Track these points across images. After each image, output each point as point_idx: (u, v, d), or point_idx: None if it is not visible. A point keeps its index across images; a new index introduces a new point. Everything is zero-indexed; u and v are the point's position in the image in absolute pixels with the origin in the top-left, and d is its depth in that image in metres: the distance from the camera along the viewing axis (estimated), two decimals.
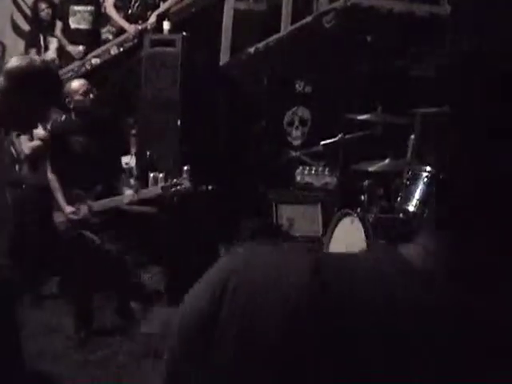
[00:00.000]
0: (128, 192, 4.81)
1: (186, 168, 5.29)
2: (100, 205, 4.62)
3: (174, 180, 4.67)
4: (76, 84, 4.84)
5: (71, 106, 4.82)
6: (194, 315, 0.64)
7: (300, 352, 0.58)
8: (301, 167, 5.16)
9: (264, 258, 0.65)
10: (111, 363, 4.14)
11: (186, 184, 4.66)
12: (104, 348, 4.33)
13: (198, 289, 0.66)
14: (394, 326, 0.57)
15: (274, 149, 5.58)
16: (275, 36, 5.44)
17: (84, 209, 4.64)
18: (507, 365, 0.55)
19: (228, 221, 5.33)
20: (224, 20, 5.88)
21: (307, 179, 5.14)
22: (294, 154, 5.47)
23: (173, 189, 4.61)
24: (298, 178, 5.14)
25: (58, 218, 4.79)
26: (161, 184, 4.96)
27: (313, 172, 5.13)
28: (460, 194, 0.58)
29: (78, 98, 4.75)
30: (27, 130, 3.86)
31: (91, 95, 4.82)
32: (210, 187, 5.52)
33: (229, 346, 0.62)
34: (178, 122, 5.69)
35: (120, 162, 5.35)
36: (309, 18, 5.19)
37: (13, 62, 2.60)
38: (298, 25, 5.29)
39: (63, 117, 5.11)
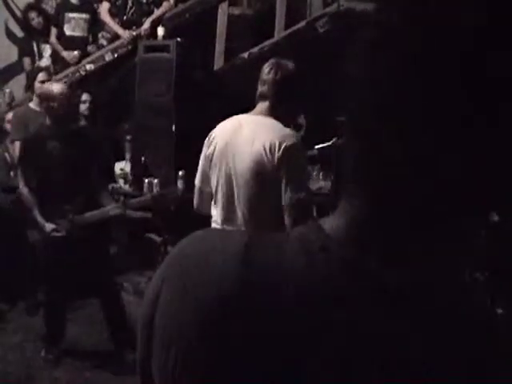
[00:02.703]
0: (113, 204, 4.29)
1: (180, 173, 5.30)
2: (83, 218, 4.18)
3: (165, 189, 4.55)
4: (58, 88, 4.20)
5: (47, 111, 4.24)
6: (140, 318, 0.70)
7: (227, 332, 0.60)
8: None
9: (195, 246, 0.68)
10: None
11: (178, 192, 4.55)
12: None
13: (147, 290, 0.70)
14: (309, 296, 0.60)
15: None
16: (269, 41, 5.46)
17: (66, 224, 4.17)
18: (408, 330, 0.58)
19: None
20: (218, 25, 5.90)
21: None
22: None
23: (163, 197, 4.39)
24: None
25: (33, 236, 4.42)
26: (150, 193, 4.89)
27: None
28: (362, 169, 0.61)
29: (57, 103, 4.14)
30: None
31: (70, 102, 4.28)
32: None
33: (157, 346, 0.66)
34: (173, 128, 5.70)
35: (106, 170, 5.00)
36: (302, 23, 5.21)
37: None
38: (291, 30, 5.31)
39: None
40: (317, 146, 4.83)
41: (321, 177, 5.11)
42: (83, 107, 6.17)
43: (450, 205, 0.56)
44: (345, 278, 0.59)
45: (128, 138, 6.27)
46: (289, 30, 5.37)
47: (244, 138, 2.85)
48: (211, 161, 2.95)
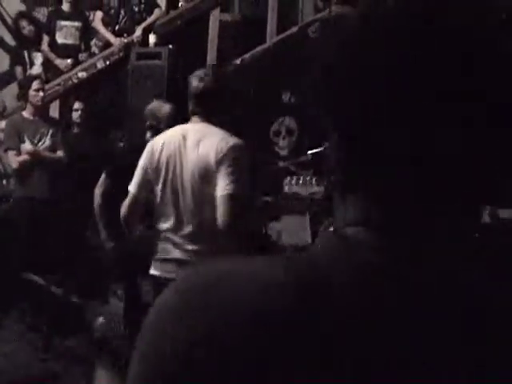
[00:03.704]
0: None
1: None
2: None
3: None
4: (166, 108, 4.25)
5: (152, 131, 4.11)
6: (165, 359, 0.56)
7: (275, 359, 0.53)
8: (288, 177, 5.17)
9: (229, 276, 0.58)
10: None
11: None
12: None
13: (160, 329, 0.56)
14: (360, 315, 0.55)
15: (261, 159, 5.59)
16: (261, 46, 5.48)
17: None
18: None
19: None
20: (210, 31, 5.91)
21: (295, 189, 5.15)
22: (281, 163, 5.48)
23: None
24: (286, 188, 5.15)
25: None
26: None
27: (300, 181, 5.14)
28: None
29: (163, 123, 4.08)
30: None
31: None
32: None
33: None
34: None
35: None
36: (294, 29, 5.23)
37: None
38: (283, 35, 5.33)
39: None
40: (309, 152, 4.83)
41: (314, 182, 5.11)
42: (75, 115, 6.16)
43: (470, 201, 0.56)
44: (403, 288, 0.56)
45: (120, 145, 6.26)
46: (281, 36, 5.38)
47: (190, 143, 2.89)
48: (156, 170, 2.95)
